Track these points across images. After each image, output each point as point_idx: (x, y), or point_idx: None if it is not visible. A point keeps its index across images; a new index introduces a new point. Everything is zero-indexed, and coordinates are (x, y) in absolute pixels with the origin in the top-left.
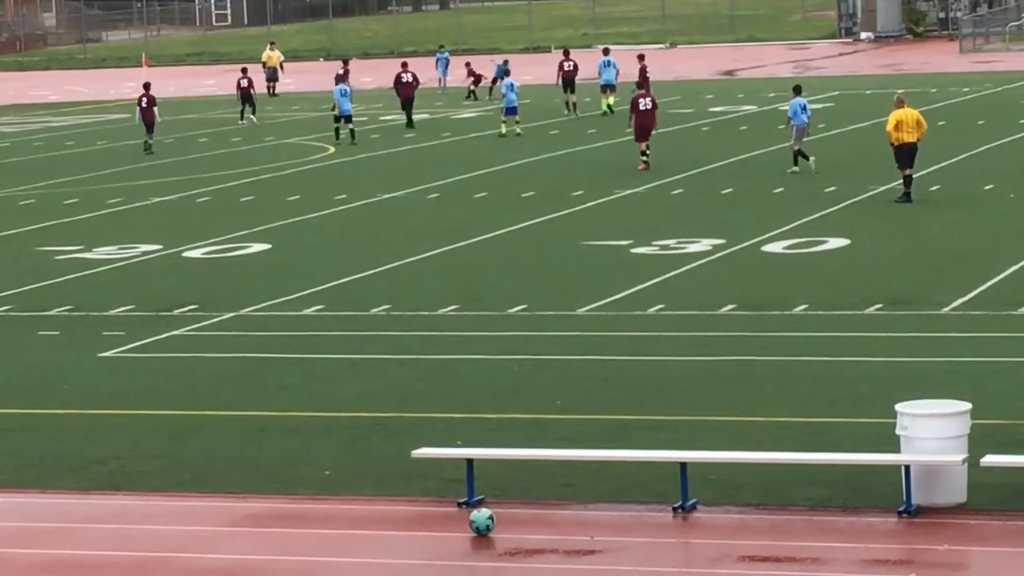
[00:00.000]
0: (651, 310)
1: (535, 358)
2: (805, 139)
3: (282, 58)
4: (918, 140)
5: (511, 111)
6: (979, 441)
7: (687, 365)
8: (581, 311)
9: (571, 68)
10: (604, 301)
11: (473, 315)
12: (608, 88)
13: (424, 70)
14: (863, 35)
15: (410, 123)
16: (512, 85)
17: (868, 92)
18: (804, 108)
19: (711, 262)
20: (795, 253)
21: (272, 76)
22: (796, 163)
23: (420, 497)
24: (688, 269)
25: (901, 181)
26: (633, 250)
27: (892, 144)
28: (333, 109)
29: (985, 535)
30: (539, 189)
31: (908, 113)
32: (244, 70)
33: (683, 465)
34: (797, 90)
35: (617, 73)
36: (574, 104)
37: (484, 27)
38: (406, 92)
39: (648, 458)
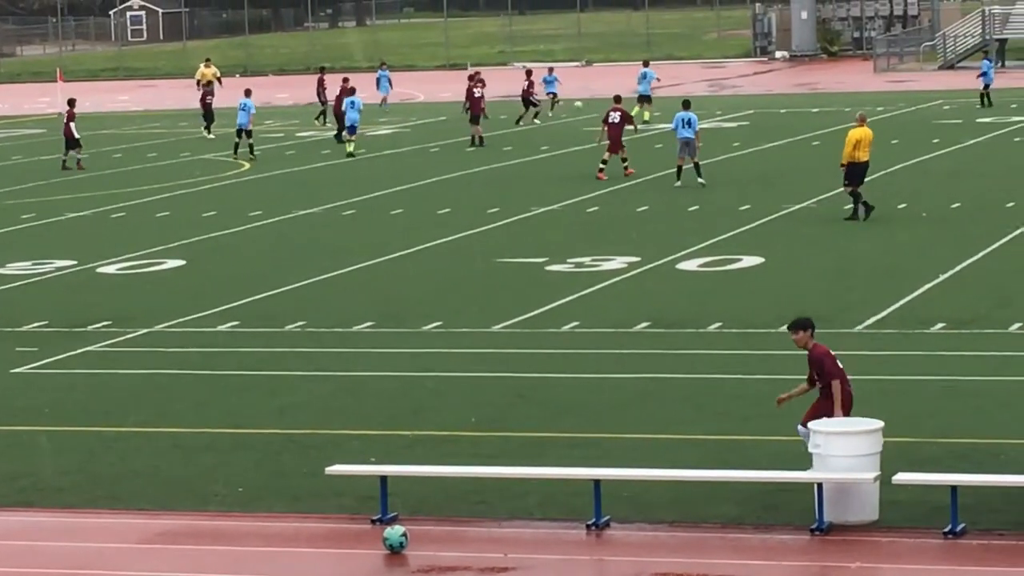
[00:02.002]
0: (566, 327)
1: (450, 375)
2: (695, 154)
3: (218, 73)
4: (868, 159)
5: (351, 130)
6: (891, 459)
7: (601, 382)
8: (496, 328)
9: (479, 96)
10: (519, 318)
11: (388, 332)
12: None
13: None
14: (778, 54)
15: (338, 136)
16: (353, 103)
17: (783, 111)
18: (689, 123)
19: (626, 280)
20: (710, 271)
21: (209, 92)
22: (679, 177)
23: (334, 514)
24: (603, 287)
25: (851, 198)
26: (548, 267)
27: (844, 163)
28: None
29: (897, 552)
30: (455, 206)
31: (866, 132)
32: (208, 84)
33: (597, 482)
34: (686, 105)
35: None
36: (480, 138)
37: (400, 44)
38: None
39: (562, 475)
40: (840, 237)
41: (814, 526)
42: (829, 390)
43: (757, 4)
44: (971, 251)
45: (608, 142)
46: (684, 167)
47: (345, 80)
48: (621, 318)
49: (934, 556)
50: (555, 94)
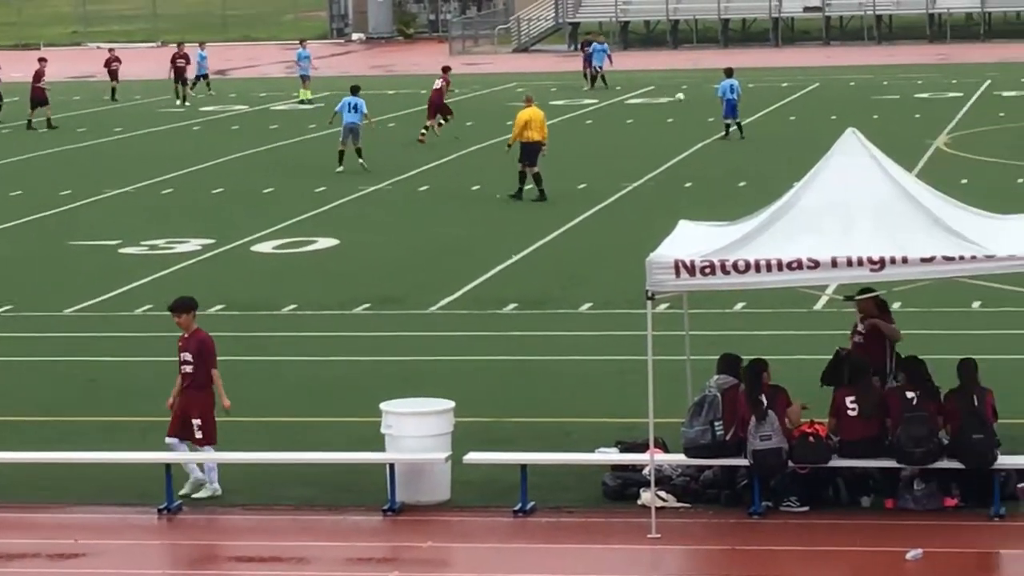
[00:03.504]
0: (138, 311)
1: (19, 360)
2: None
3: None
4: (543, 140)
5: None
6: (462, 439)
7: (173, 366)
8: (67, 312)
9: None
10: (91, 302)
11: None
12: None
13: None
14: (355, 36)
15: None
16: None
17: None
18: (355, 107)
19: (200, 262)
20: (284, 253)
21: None
22: (340, 162)
23: None
24: (176, 269)
25: (519, 178)
26: (121, 250)
27: (511, 143)
28: None
29: (467, 531)
30: (26, 188)
31: (536, 112)
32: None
33: (168, 467)
34: (354, 90)
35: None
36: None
37: None
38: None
39: (132, 460)
40: (415, 218)
41: (386, 507)
42: (208, 379)
43: None
44: (543, 232)
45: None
46: (346, 152)
47: None
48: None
49: (504, 534)
50: (600, 67)
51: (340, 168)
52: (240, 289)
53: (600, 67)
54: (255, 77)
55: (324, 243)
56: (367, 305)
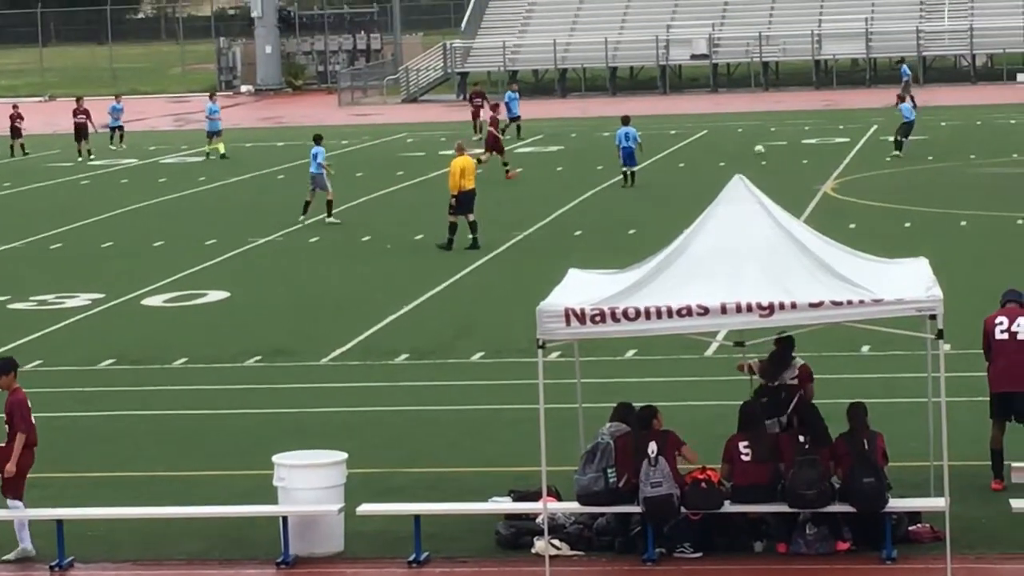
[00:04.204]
0: (28, 366)
1: None
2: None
3: None
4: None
5: None
6: (356, 490)
7: (63, 421)
8: None
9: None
10: None
11: None
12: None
13: None
14: (243, 88)
15: None
16: None
17: (248, 145)
18: (315, 156)
19: (89, 317)
20: (175, 307)
21: None
22: (304, 212)
23: None
24: (66, 324)
25: (449, 230)
26: (10, 305)
27: (455, 192)
28: None
29: None
30: None
31: (468, 160)
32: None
33: (59, 523)
34: (317, 139)
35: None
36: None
37: None
38: None
39: (21, 516)
40: (306, 270)
41: (280, 559)
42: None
43: (222, 39)
44: (434, 282)
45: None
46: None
47: None
48: (85, 356)
49: None
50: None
51: (302, 218)
52: (131, 343)
53: (518, 116)
54: (144, 130)
55: (215, 296)
56: (258, 357)
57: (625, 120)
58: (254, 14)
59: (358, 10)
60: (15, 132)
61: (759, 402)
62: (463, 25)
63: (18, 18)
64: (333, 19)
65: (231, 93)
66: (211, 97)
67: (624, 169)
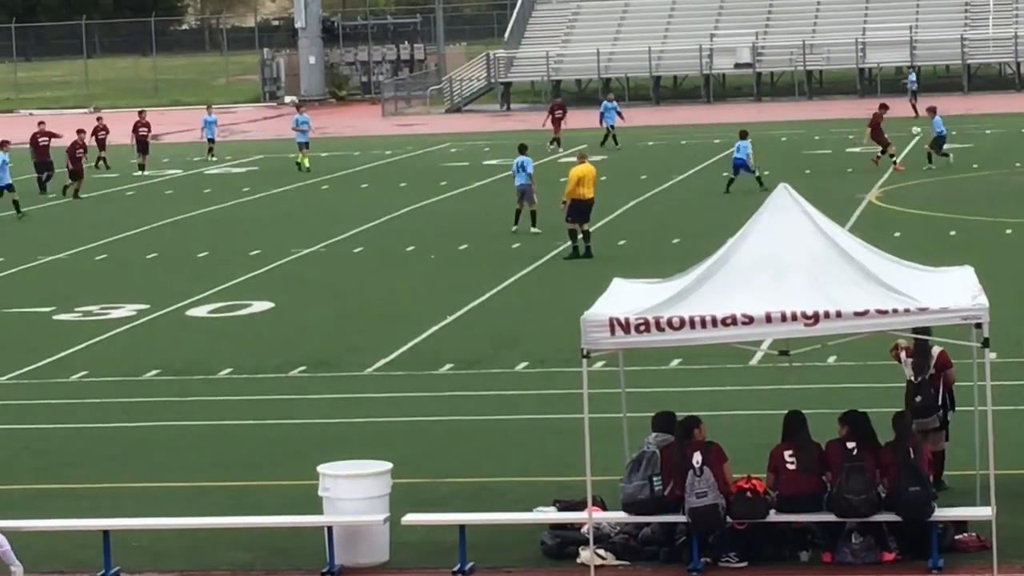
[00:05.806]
0: (74, 377)
1: None
2: None
3: None
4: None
5: None
6: (400, 500)
7: (108, 432)
8: (1, 380)
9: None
10: (26, 369)
11: None
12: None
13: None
14: (287, 99)
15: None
16: None
17: (292, 155)
18: (522, 167)
19: (135, 327)
20: (219, 317)
21: None
22: (516, 222)
23: None
24: (111, 335)
25: (570, 237)
26: (56, 316)
27: (566, 199)
28: None
29: None
30: None
31: (589, 169)
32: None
33: (105, 533)
34: (521, 149)
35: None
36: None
37: None
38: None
39: (68, 527)
40: (349, 281)
41: (325, 569)
42: None
43: (265, 49)
44: (478, 292)
45: None
46: None
47: None
48: (130, 366)
49: None
50: (612, 125)
51: (514, 228)
52: (175, 354)
53: (612, 125)
54: (188, 142)
55: (259, 306)
56: (303, 368)
57: (743, 134)
58: (298, 25)
59: (401, 20)
60: (142, 145)
61: (908, 410)
62: (506, 35)
63: (63, 30)
64: (377, 30)
65: (275, 104)
66: (298, 108)
67: (732, 177)
